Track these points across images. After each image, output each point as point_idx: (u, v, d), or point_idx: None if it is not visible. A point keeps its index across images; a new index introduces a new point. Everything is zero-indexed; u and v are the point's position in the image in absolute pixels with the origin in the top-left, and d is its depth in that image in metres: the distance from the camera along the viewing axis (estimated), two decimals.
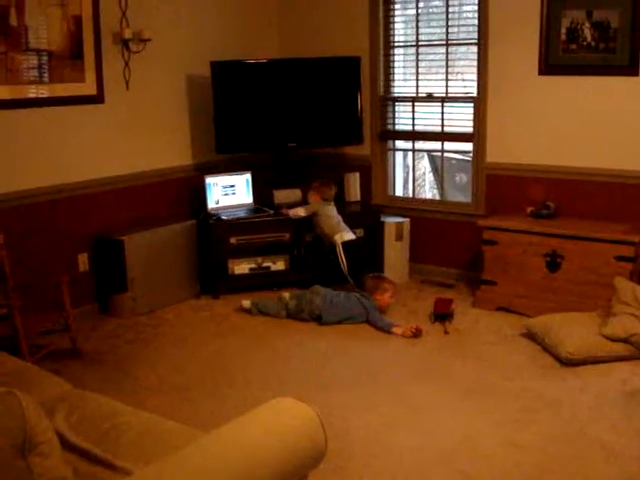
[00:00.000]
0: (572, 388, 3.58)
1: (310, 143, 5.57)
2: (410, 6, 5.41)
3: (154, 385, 3.72)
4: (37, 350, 3.81)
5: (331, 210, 5.13)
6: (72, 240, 4.63)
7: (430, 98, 5.41)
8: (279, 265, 5.21)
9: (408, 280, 5.43)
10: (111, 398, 2.56)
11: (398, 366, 3.92)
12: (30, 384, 2.59)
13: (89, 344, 4.27)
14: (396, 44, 5.53)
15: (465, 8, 5.23)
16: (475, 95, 5.13)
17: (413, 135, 5.58)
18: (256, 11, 5.76)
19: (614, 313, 3.99)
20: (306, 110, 5.46)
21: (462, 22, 5.24)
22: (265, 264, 5.19)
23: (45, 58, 4.33)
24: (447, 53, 5.25)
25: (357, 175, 5.58)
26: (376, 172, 5.68)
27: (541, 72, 4.79)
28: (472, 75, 5.16)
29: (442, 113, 5.33)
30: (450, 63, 5.27)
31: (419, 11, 5.34)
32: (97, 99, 4.66)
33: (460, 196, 5.93)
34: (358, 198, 5.59)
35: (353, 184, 5.57)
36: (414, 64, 5.43)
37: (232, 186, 5.32)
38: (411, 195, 5.85)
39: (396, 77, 5.61)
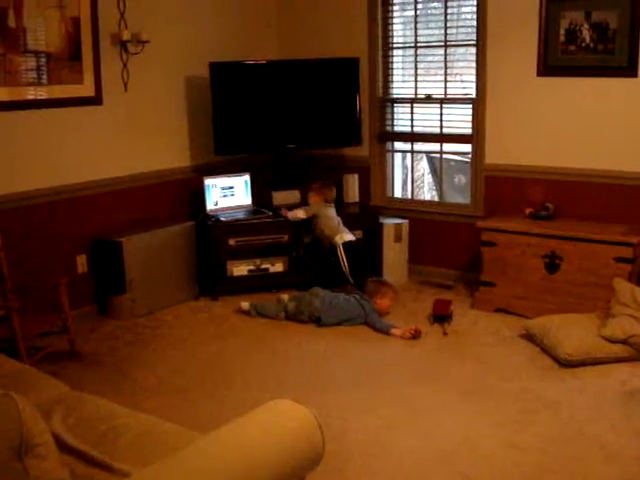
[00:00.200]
0: (571, 389, 3.57)
1: (309, 144, 5.57)
2: (409, 7, 5.41)
3: (153, 387, 3.71)
4: (35, 352, 3.80)
5: (331, 212, 5.13)
6: (71, 242, 4.63)
7: (429, 99, 5.41)
8: (278, 267, 5.20)
9: (407, 281, 5.42)
10: (110, 400, 2.55)
11: (397, 367, 3.92)
12: (27, 386, 2.59)
13: (87, 346, 4.26)
14: (395, 45, 5.53)
15: (464, 9, 5.23)
16: (474, 96, 5.13)
17: (412, 136, 5.58)
18: (255, 12, 5.76)
19: (613, 314, 3.99)
20: (305, 111, 5.46)
21: (461, 23, 5.24)
22: (264, 266, 5.18)
23: (43, 60, 4.33)
24: (446, 54, 5.25)
25: (356, 176, 5.58)
26: (375, 173, 5.68)
27: (540, 73, 4.79)
28: (471, 76, 5.15)
29: (441, 114, 5.33)
30: (449, 64, 5.27)
31: (418, 12, 5.34)
32: (95, 101, 4.66)
33: (459, 197, 5.92)
34: (357, 199, 5.59)
35: (352, 185, 5.57)
36: (413, 65, 5.43)
37: (231, 187, 5.31)
38: (410, 196, 5.84)
39: (395, 78, 5.61)
